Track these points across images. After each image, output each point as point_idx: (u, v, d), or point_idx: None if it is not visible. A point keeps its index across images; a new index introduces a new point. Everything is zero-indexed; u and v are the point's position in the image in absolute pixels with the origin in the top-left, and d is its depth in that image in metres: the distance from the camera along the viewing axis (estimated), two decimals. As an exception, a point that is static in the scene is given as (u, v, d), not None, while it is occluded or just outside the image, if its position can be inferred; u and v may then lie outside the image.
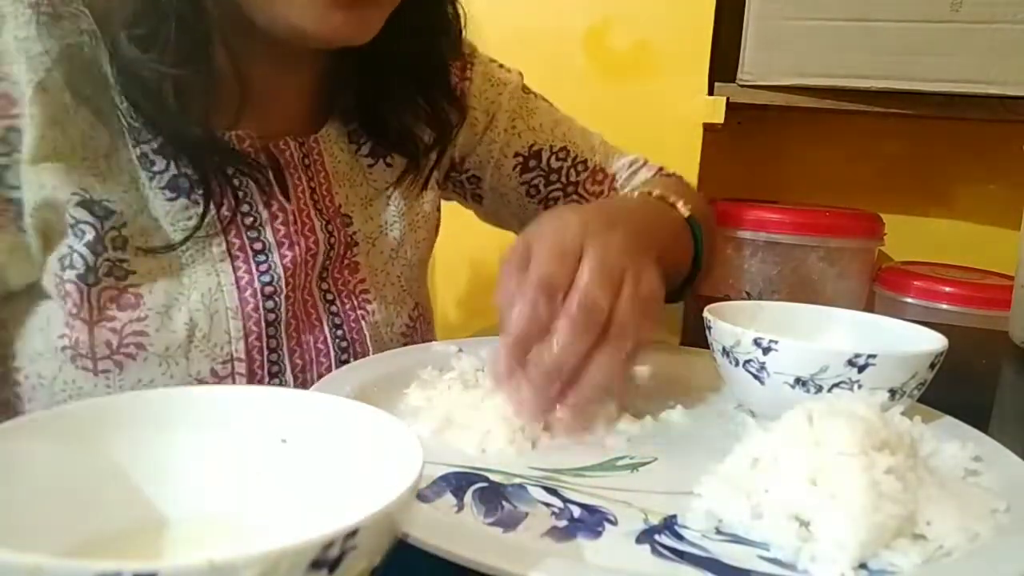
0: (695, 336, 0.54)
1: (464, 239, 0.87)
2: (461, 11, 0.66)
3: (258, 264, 0.57)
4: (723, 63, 1.25)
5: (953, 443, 0.43)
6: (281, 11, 0.50)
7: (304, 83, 0.63)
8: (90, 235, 0.51)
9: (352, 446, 0.31)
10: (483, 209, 0.79)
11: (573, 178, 0.75)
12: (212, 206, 0.54)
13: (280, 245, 0.58)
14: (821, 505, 0.33)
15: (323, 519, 0.23)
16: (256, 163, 0.57)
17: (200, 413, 0.32)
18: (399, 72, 0.64)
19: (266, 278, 0.57)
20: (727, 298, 0.77)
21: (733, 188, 1.46)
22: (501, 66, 0.76)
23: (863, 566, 0.32)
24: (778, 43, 1.19)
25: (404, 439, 0.29)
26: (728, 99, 1.24)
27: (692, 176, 1.25)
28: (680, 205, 0.65)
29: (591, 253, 0.45)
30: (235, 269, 0.56)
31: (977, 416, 0.49)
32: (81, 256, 0.51)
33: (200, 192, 0.54)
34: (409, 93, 0.66)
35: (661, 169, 0.80)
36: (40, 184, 0.49)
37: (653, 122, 1.26)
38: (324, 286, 0.62)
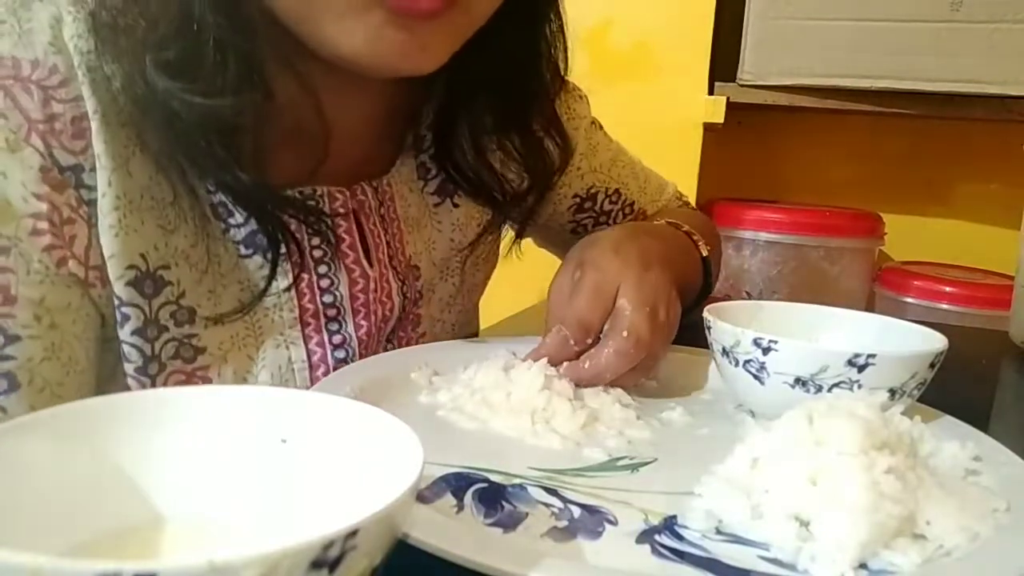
0: (695, 336, 0.54)
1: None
2: (565, 32, 0.58)
3: (331, 335, 0.53)
4: (723, 63, 1.25)
5: (953, 443, 0.43)
6: (330, 34, 0.43)
7: (374, 116, 0.56)
8: (136, 321, 0.45)
9: (352, 446, 0.31)
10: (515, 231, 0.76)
11: (619, 220, 0.74)
12: (290, 265, 0.50)
13: (356, 313, 0.54)
14: (821, 505, 0.33)
15: (323, 519, 0.22)
16: (339, 221, 0.53)
17: (200, 413, 0.32)
18: (488, 104, 0.57)
19: (340, 354, 0.53)
20: (727, 298, 0.77)
21: (733, 188, 1.46)
22: (574, 89, 0.71)
23: (863, 566, 0.32)
24: (778, 43, 1.19)
25: (404, 439, 0.29)
26: (728, 99, 1.24)
27: (692, 176, 1.26)
28: (701, 245, 0.66)
29: (631, 295, 0.50)
30: (306, 340, 0.52)
31: (977, 416, 0.49)
32: (134, 347, 0.46)
33: (283, 264, 0.49)
34: (500, 129, 0.59)
35: (684, 201, 0.82)
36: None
37: (653, 122, 1.26)
38: (389, 347, 0.58)
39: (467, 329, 0.67)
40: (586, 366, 0.49)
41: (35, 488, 0.28)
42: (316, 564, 0.21)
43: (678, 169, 1.24)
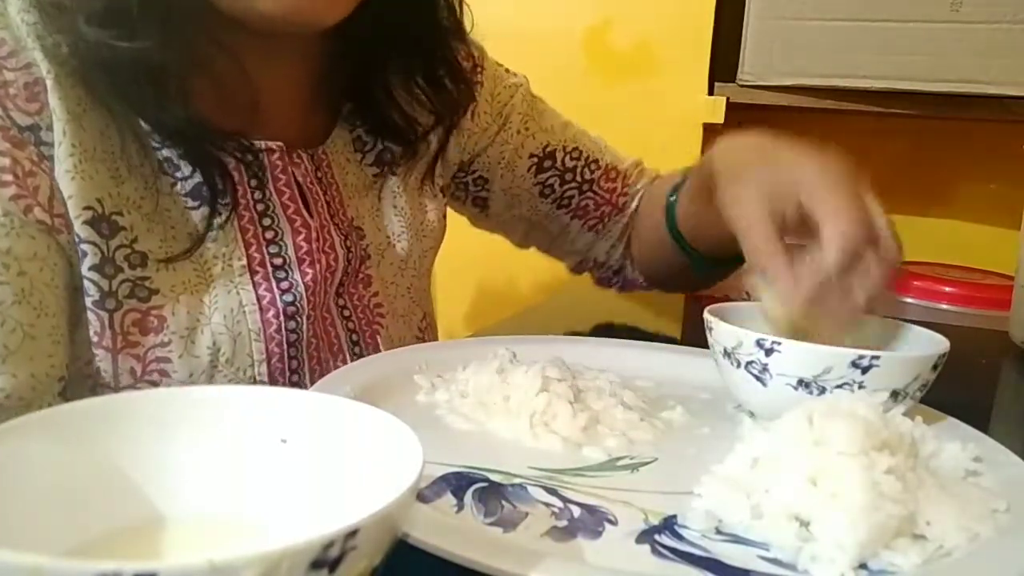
0: (695, 336, 0.54)
1: (462, 242, 0.87)
2: None
3: (278, 281, 0.55)
4: (723, 63, 1.25)
5: (954, 443, 0.43)
6: None
7: (301, 81, 0.61)
8: (93, 258, 0.48)
9: (352, 446, 0.31)
10: (485, 213, 0.79)
11: (587, 176, 0.76)
12: (234, 215, 0.53)
13: (301, 262, 0.57)
14: (821, 505, 0.33)
15: (323, 519, 0.23)
16: (278, 175, 0.56)
17: (200, 413, 0.32)
18: (393, 52, 0.62)
19: (288, 297, 0.55)
20: (727, 299, 0.77)
21: (733, 188, 1.46)
22: (507, 70, 0.76)
23: (863, 566, 0.32)
24: (778, 43, 1.19)
25: (404, 439, 0.29)
26: (728, 99, 1.24)
27: (692, 176, 1.25)
28: None
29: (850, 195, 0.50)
30: (255, 286, 0.54)
31: (977, 416, 0.49)
32: (92, 282, 0.49)
33: (223, 200, 0.52)
34: (405, 73, 0.64)
35: (656, 173, 0.82)
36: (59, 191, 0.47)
37: (653, 122, 1.26)
38: (341, 302, 0.61)
39: (422, 296, 0.70)
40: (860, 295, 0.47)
41: (35, 488, 0.28)
42: (316, 564, 0.21)
43: (678, 170, 1.25)
